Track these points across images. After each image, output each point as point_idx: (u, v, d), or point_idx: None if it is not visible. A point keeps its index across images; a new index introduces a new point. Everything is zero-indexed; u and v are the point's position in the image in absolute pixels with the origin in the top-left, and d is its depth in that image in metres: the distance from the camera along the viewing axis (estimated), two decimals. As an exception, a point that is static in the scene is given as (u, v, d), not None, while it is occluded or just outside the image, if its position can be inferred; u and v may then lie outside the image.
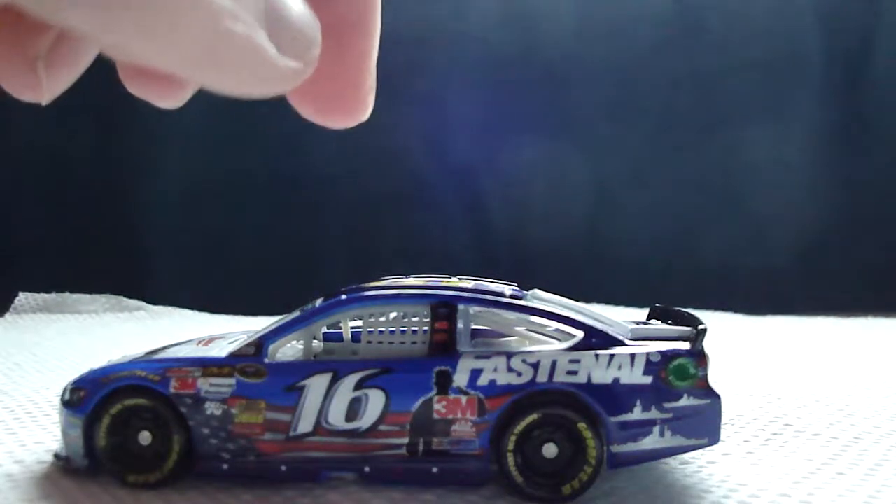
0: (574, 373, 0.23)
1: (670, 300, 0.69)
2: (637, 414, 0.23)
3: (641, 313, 0.66)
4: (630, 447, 0.22)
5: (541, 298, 0.26)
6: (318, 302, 0.25)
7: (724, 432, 0.28)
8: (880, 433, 0.28)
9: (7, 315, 0.66)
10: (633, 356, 0.23)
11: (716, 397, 0.23)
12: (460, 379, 0.23)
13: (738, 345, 0.52)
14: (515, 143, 0.73)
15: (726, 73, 0.77)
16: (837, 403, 0.33)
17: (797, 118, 0.77)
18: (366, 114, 0.23)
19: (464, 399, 0.23)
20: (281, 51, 0.19)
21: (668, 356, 0.23)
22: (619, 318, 0.27)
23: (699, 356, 0.23)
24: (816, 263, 0.75)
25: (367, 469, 0.23)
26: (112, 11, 0.17)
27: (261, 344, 0.25)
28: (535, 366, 0.23)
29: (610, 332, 0.24)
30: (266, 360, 0.24)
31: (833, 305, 0.65)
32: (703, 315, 0.66)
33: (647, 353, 0.23)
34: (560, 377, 0.23)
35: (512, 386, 0.23)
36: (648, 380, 0.23)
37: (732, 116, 0.78)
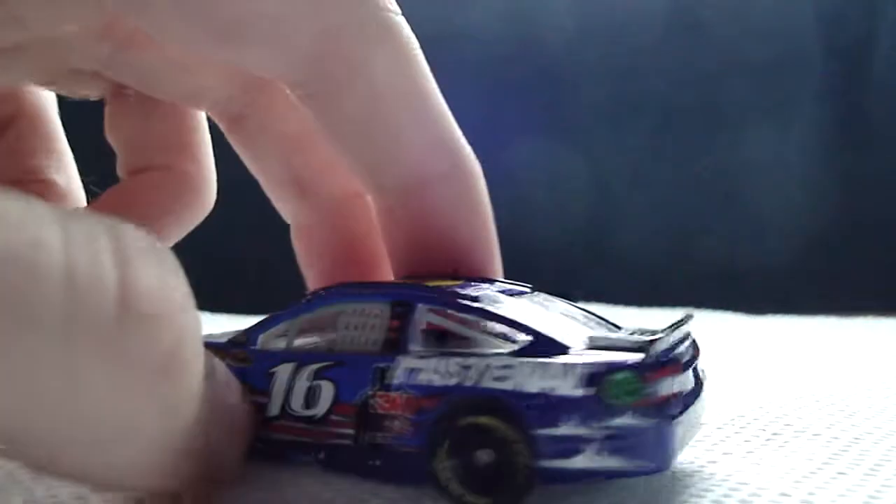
0: (503, 379, 0.21)
1: (670, 300, 0.69)
2: (569, 429, 0.20)
3: (641, 313, 0.66)
4: (560, 463, 0.21)
5: (541, 301, 0.26)
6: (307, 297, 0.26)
7: (724, 432, 0.28)
8: (881, 433, 0.28)
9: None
10: (566, 366, 0.21)
11: (666, 417, 0.20)
12: (398, 376, 0.23)
13: (738, 345, 0.52)
14: (514, 142, 0.73)
15: (726, 73, 0.77)
16: (838, 404, 0.33)
17: (797, 118, 0.77)
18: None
19: (401, 397, 0.23)
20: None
21: (608, 369, 0.20)
22: (631, 323, 0.26)
23: (648, 370, 0.20)
24: (817, 263, 0.75)
25: (321, 455, 0.24)
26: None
27: (251, 333, 0.26)
28: (468, 369, 0.22)
29: (559, 340, 0.22)
30: (253, 348, 0.25)
31: (834, 305, 0.65)
32: (703, 315, 0.66)
33: (584, 365, 0.21)
34: (487, 382, 0.21)
35: (446, 387, 0.22)
36: (584, 393, 0.20)
37: (732, 116, 0.78)
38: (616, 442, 0.20)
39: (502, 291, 0.25)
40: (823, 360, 0.44)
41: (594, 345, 0.22)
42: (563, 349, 0.22)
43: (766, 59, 0.77)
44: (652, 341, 0.21)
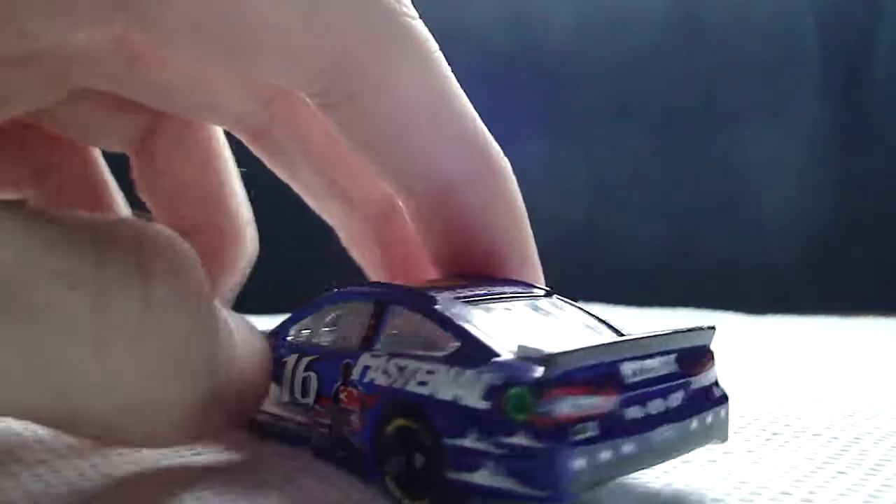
0: (424, 383, 0.20)
1: (670, 300, 0.69)
2: (471, 441, 0.19)
3: (641, 313, 0.66)
4: (464, 476, 0.19)
5: (544, 307, 0.25)
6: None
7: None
8: (881, 433, 0.28)
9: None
10: (477, 375, 0.19)
11: (563, 442, 0.18)
12: (355, 373, 0.23)
13: (738, 344, 0.52)
14: (514, 142, 0.73)
15: (726, 73, 0.77)
16: (838, 404, 0.33)
17: (797, 118, 0.77)
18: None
19: (355, 392, 0.22)
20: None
21: (505, 382, 0.19)
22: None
23: (545, 387, 0.18)
24: (817, 263, 0.75)
25: (312, 441, 0.25)
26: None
27: (284, 324, 0.27)
28: (403, 371, 0.21)
29: (491, 346, 0.20)
30: (282, 338, 0.27)
31: (834, 305, 0.65)
32: (702, 315, 0.66)
33: (489, 375, 0.19)
34: (412, 386, 0.21)
35: (381, 387, 0.21)
36: (486, 405, 0.19)
37: (732, 116, 0.78)
38: (511, 462, 0.19)
39: (505, 295, 0.25)
40: (823, 360, 0.44)
41: (524, 353, 0.20)
42: (489, 356, 0.20)
43: (766, 58, 0.77)
44: (556, 355, 0.19)
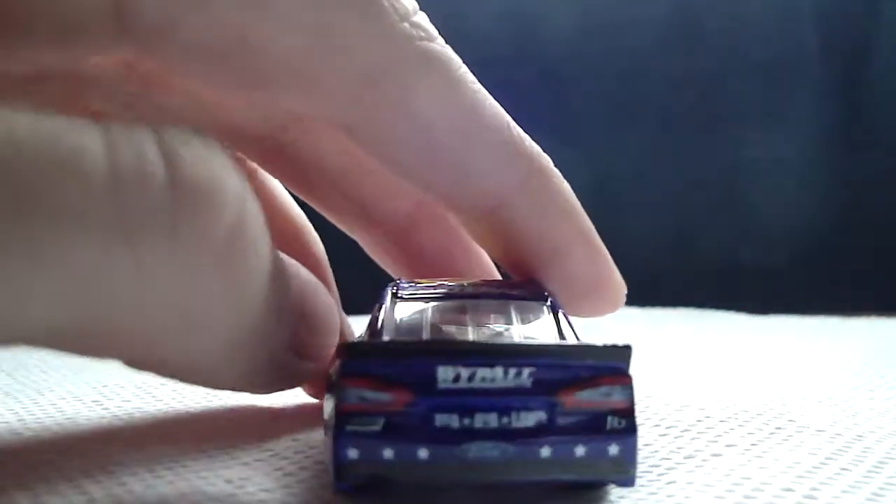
0: None
1: (670, 300, 0.69)
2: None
3: (641, 313, 0.66)
4: None
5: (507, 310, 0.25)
6: None
7: (727, 425, 0.28)
8: (884, 432, 0.28)
9: (9, 315, 0.66)
10: (338, 364, 0.20)
11: (337, 431, 0.19)
12: None
13: (739, 344, 0.52)
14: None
15: (726, 73, 0.78)
16: (840, 405, 0.33)
17: (797, 118, 0.77)
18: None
19: None
20: (302, 356, 0.21)
21: (333, 371, 0.20)
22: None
23: (342, 376, 0.19)
24: (817, 263, 0.75)
25: None
26: None
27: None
28: None
29: (357, 340, 0.22)
30: None
31: (835, 305, 0.65)
32: (703, 315, 0.66)
33: (335, 366, 0.20)
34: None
35: None
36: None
37: (732, 116, 0.78)
38: (327, 441, 0.21)
39: (476, 294, 0.25)
40: (824, 361, 0.44)
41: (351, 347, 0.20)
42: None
43: (766, 58, 0.77)
44: (351, 347, 0.20)
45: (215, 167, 0.18)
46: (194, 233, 0.17)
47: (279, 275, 0.21)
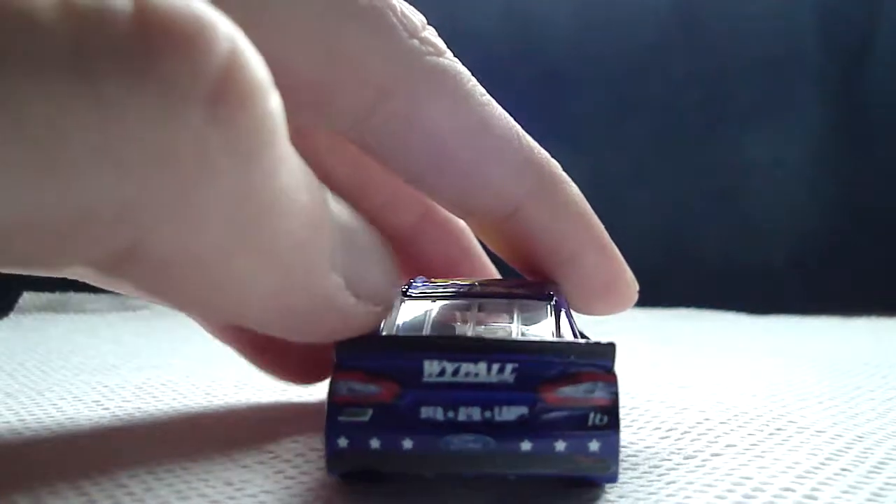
0: None
1: (670, 300, 0.69)
2: None
3: (641, 313, 0.66)
4: None
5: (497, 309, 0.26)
6: None
7: (728, 426, 0.28)
8: (884, 433, 0.28)
9: (11, 315, 0.66)
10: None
11: (329, 421, 0.20)
12: None
13: (738, 344, 0.52)
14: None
15: (726, 73, 0.78)
16: (841, 405, 0.33)
17: (797, 118, 0.77)
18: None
19: None
20: (360, 298, 0.20)
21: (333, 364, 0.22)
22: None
23: (335, 370, 0.21)
24: (817, 263, 0.75)
25: None
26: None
27: None
28: None
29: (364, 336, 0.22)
30: None
31: (835, 305, 0.65)
32: (703, 315, 0.66)
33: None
34: None
35: None
36: None
37: (732, 116, 0.78)
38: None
39: (495, 293, 0.25)
40: (824, 361, 0.44)
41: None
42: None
43: (766, 58, 0.77)
44: (344, 342, 0.21)
45: (195, 5, 0.15)
46: (168, 76, 0.14)
47: (306, 173, 0.18)
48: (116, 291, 0.19)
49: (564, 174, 0.27)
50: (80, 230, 0.15)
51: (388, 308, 0.23)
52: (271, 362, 0.30)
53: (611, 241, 0.28)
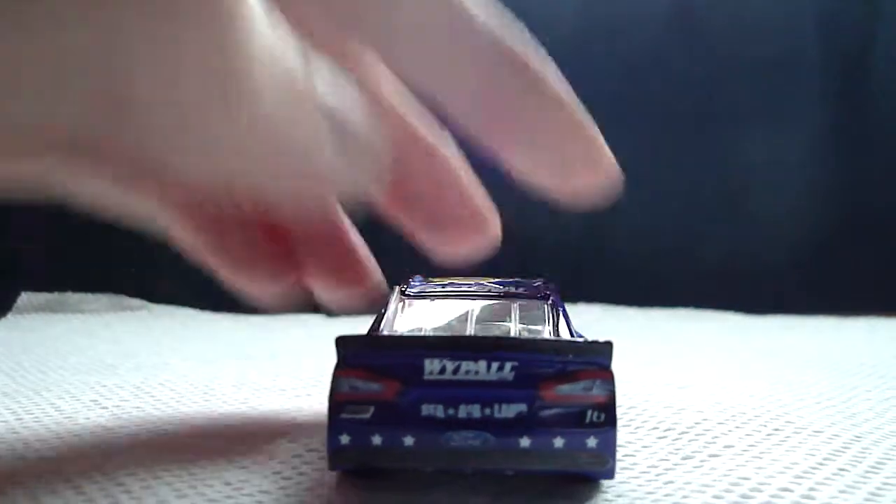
0: None
1: (670, 300, 0.69)
2: None
3: (641, 313, 0.66)
4: None
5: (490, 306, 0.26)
6: None
7: (726, 426, 0.28)
8: (881, 433, 0.28)
9: (9, 315, 0.66)
10: None
11: (332, 418, 0.21)
12: None
13: (738, 344, 0.52)
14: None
15: (726, 73, 0.77)
16: (839, 406, 0.33)
17: (797, 118, 0.77)
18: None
19: None
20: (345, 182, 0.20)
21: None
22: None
23: (338, 367, 0.21)
24: (817, 263, 0.75)
25: None
26: None
27: None
28: None
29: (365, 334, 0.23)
30: None
31: (835, 305, 0.65)
32: (702, 315, 0.66)
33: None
34: None
35: None
36: None
37: (732, 116, 0.78)
38: None
39: (492, 293, 0.26)
40: (823, 361, 0.44)
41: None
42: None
43: (766, 58, 0.77)
44: (346, 340, 0.21)
45: None
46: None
47: (288, 49, 0.18)
48: (103, 178, 0.19)
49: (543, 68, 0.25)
50: (62, 73, 0.15)
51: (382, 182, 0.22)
52: (241, 272, 0.28)
53: (590, 124, 0.26)
